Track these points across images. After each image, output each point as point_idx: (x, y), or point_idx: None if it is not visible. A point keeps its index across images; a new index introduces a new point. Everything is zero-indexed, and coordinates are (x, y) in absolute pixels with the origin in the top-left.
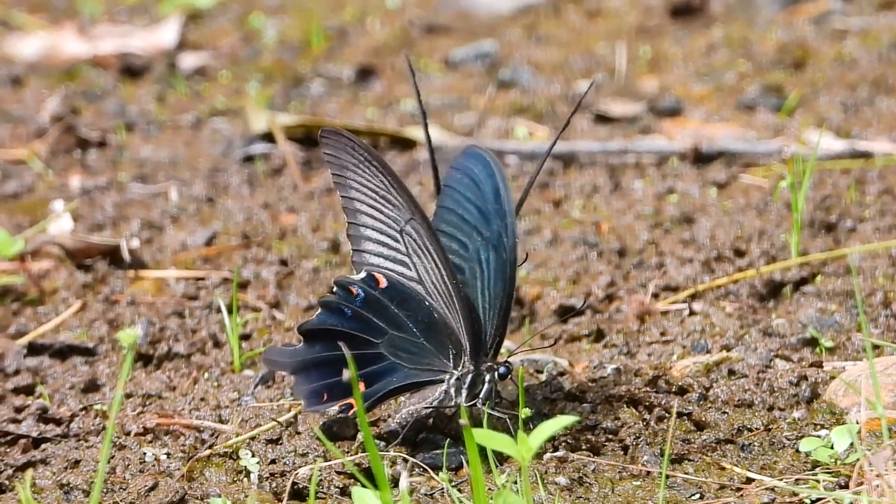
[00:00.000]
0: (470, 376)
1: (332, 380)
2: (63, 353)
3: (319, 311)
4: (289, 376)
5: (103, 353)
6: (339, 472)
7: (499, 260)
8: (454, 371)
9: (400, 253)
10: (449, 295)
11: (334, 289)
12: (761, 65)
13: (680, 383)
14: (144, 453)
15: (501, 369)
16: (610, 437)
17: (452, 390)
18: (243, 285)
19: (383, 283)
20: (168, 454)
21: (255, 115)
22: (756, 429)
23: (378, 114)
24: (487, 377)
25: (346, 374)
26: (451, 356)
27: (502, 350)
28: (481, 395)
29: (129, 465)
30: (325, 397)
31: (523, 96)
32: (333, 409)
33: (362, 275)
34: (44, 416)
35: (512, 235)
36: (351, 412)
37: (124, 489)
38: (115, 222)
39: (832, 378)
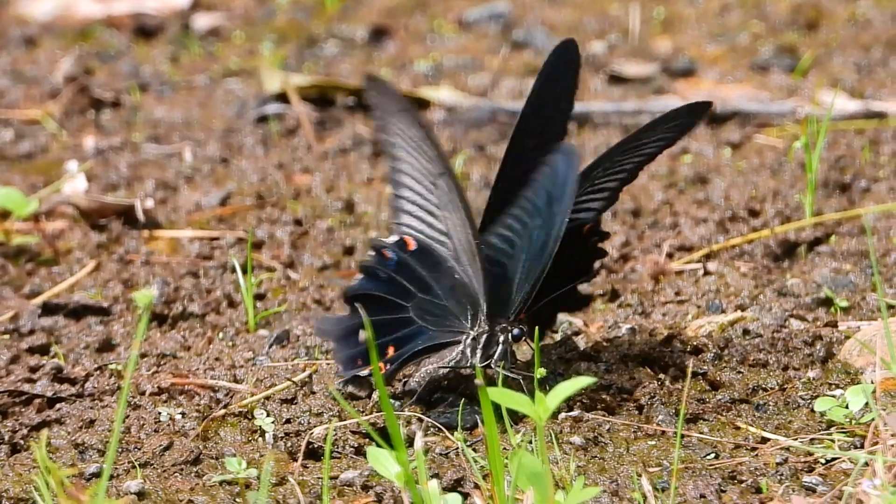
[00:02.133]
0: (485, 336)
1: (365, 345)
2: (77, 312)
3: (360, 275)
4: (333, 343)
5: (118, 312)
6: (353, 432)
7: (546, 239)
8: (470, 331)
9: (432, 204)
10: (471, 254)
11: (370, 252)
12: (775, 25)
13: (695, 343)
14: (159, 413)
15: (515, 331)
16: (625, 396)
17: (468, 350)
18: (258, 245)
19: (412, 245)
20: (183, 414)
21: (269, 75)
22: (771, 388)
23: (392, 74)
24: (501, 338)
25: (363, 335)
26: (468, 316)
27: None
28: (495, 356)
29: (143, 424)
30: (360, 362)
31: (537, 57)
32: (365, 372)
33: (394, 237)
34: (58, 376)
35: (559, 226)
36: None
37: (139, 449)
38: (130, 182)
39: (847, 338)
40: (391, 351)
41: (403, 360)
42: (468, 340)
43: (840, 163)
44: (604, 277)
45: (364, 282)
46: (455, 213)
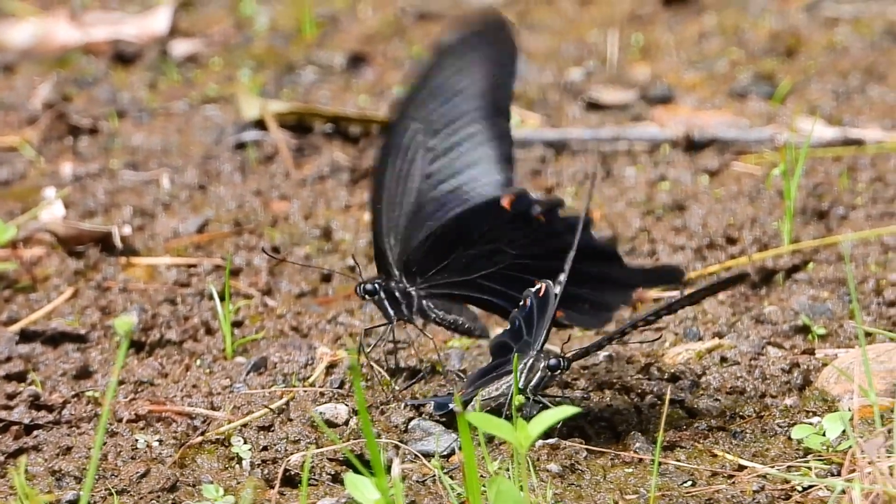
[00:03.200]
0: (531, 363)
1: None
2: (55, 339)
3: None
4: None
5: (95, 339)
6: (331, 459)
7: None
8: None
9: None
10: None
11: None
12: (753, 52)
13: (672, 370)
14: (136, 440)
15: (552, 360)
16: (602, 424)
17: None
18: (235, 272)
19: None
20: (160, 441)
21: (247, 102)
22: (748, 416)
23: (370, 101)
24: (541, 365)
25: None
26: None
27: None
28: (533, 384)
29: (120, 451)
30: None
31: (517, 84)
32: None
33: (541, 285)
34: (36, 403)
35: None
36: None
37: (116, 476)
38: (107, 209)
39: (824, 365)
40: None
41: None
42: (522, 366)
43: (818, 190)
44: None
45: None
46: None
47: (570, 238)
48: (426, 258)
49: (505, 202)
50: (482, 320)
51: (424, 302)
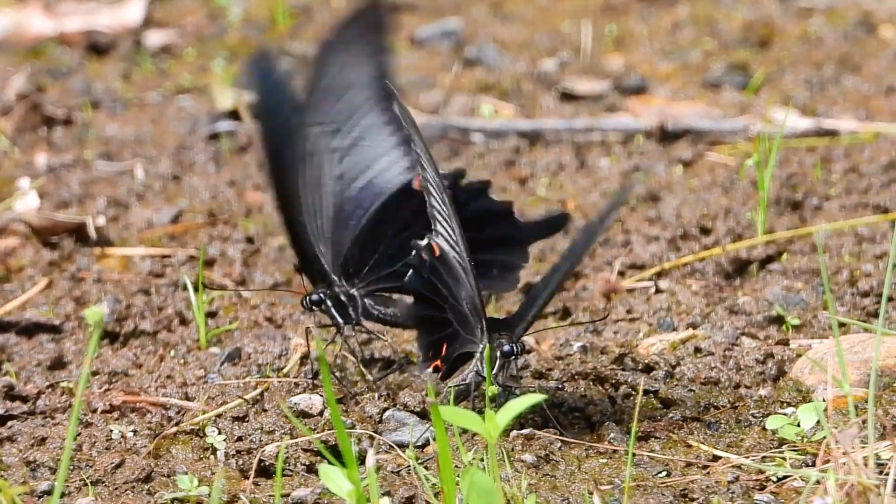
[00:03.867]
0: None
1: (426, 340)
2: (29, 330)
3: (410, 272)
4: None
5: (69, 330)
6: (305, 450)
7: None
8: (480, 344)
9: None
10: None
11: (412, 251)
12: (727, 43)
13: (646, 361)
14: (111, 430)
15: (506, 347)
16: (577, 414)
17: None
18: (209, 263)
19: (437, 251)
20: (134, 431)
21: (221, 92)
22: (722, 406)
23: None
24: (498, 353)
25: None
26: (477, 329)
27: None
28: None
29: (95, 442)
30: (431, 354)
31: (489, 74)
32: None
33: (424, 241)
34: (10, 394)
35: None
36: (437, 375)
37: (91, 466)
38: (81, 200)
39: (798, 356)
40: (444, 349)
41: (452, 360)
42: (478, 355)
43: (792, 180)
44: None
45: (412, 277)
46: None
47: (476, 206)
48: (359, 257)
49: (415, 184)
50: None
51: (366, 301)
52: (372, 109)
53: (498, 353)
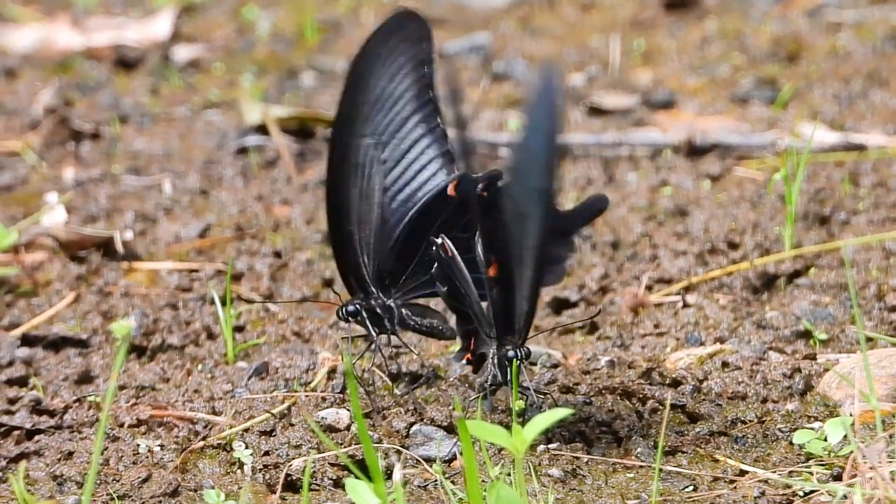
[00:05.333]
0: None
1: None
2: (56, 344)
3: (436, 264)
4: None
5: (97, 344)
6: (332, 464)
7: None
8: (492, 348)
9: None
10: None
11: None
12: (755, 57)
13: (673, 375)
14: (138, 445)
15: (510, 352)
16: (603, 429)
17: (497, 369)
18: (237, 277)
19: (449, 251)
20: (161, 446)
21: (249, 107)
22: (749, 421)
23: None
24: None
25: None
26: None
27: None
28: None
29: (122, 456)
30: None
31: (517, 89)
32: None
33: (440, 240)
34: (37, 408)
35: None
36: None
37: (118, 481)
38: (109, 214)
39: (826, 370)
40: (473, 342)
41: (477, 357)
42: (496, 359)
43: (820, 195)
44: (583, 310)
45: (438, 271)
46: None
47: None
48: (396, 267)
49: (450, 190)
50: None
51: (403, 311)
52: (419, 123)
53: (505, 359)
